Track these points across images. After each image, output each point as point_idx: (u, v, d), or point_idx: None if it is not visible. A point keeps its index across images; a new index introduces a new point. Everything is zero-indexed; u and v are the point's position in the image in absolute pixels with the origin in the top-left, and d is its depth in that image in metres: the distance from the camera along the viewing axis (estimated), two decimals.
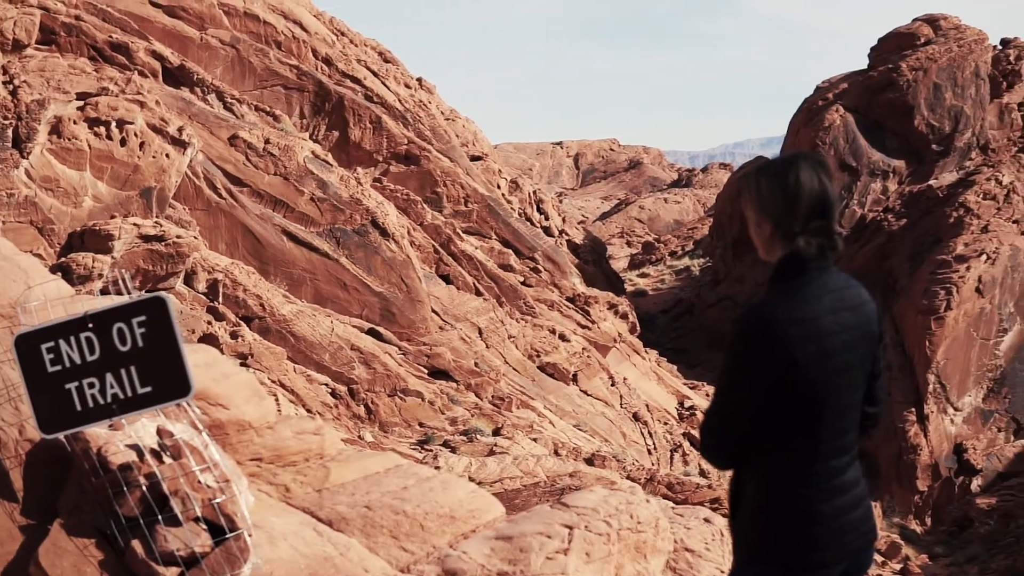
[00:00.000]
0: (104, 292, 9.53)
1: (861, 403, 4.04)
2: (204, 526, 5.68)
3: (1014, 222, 45.40)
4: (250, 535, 5.76)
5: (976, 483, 41.28)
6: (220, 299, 23.54)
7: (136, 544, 5.57)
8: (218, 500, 5.71)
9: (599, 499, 6.72)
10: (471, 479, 23.04)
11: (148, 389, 5.72)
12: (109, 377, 5.74)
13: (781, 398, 3.78)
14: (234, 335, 23.01)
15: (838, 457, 3.92)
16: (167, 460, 5.98)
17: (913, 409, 41.29)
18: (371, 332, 26.85)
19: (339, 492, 7.07)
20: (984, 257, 42.92)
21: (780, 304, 3.85)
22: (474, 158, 37.89)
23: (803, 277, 3.88)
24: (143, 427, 6.37)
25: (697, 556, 10.45)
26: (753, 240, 4.10)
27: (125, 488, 5.68)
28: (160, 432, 6.23)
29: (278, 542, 6.22)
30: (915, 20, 52.39)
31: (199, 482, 5.78)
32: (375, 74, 33.89)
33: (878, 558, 30.29)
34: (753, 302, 3.97)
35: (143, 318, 5.69)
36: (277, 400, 21.97)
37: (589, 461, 25.49)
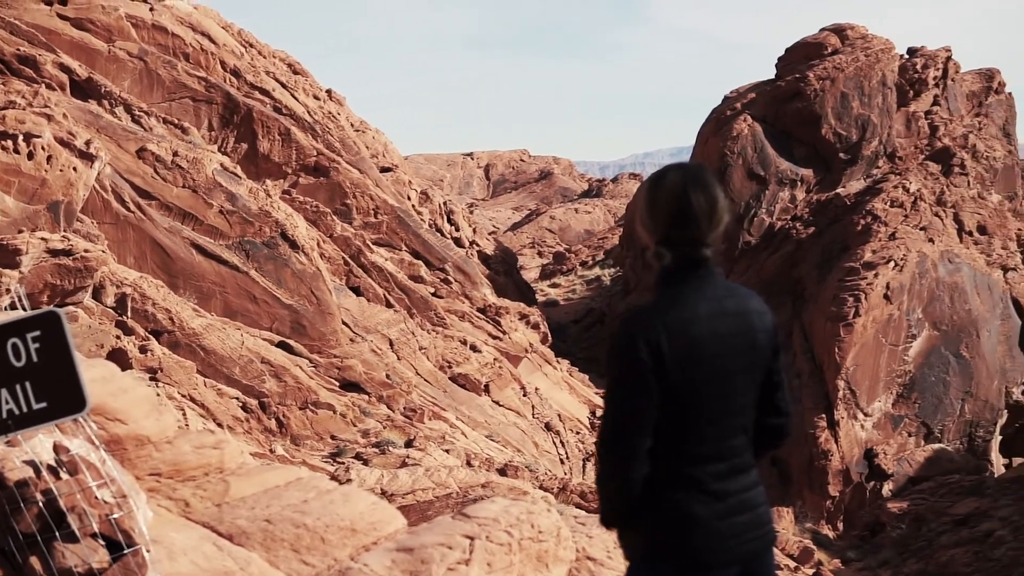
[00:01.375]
0: (12, 308, 9.53)
1: (749, 411, 4.09)
2: (102, 542, 5.64)
3: (921, 229, 46.37)
4: (148, 551, 5.74)
5: (887, 488, 42.04)
6: (129, 313, 23.36)
7: (34, 561, 5.56)
8: (115, 516, 5.68)
9: (500, 509, 6.77)
10: (383, 491, 23.12)
11: (43, 405, 5.68)
12: (4, 393, 5.71)
13: (657, 402, 3.84)
14: (143, 349, 22.86)
15: (715, 463, 3.96)
16: (64, 476, 5.96)
17: (824, 415, 41.91)
18: (281, 345, 26.79)
19: (239, 506, 7.03)
20: (892, 264, 43.69)
21: (653, 310, 3.93)
22: (384, 169, 37.90)
23: (683, 284, 3.97)
24: (40, 443, 6.34)
25: (599, 564, 10.52)
26: (643, 245, 4.23)
27: (22, 504, 5.66)
28: (56, 448, 6.20)
29: (177, 557, 6.19)
30: (822, 30, 53.05)
31: (96, 498, 5.75)
32: (284, 86, 33.80)
33: (790, 563, 30.72)
34: (632, 308, 4.01)
35: (37, 333, 5.67)
36: (185, 415, 21.88)
37: (502, 472, 25.65)
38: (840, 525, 41.68)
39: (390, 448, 25.23)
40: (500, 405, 31.33)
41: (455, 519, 6.76)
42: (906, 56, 54.74)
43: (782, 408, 4.24)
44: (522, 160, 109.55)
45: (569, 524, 5.95)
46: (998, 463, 46.65)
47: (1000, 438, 47.65)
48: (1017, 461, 46.56)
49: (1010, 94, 59.00)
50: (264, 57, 34.79)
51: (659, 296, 4.01)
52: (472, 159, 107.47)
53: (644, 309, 3.98)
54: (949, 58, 55.39)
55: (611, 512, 4.05)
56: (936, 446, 44.25)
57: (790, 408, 4.31)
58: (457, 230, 40.76)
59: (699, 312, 3.93)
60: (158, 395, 22.34)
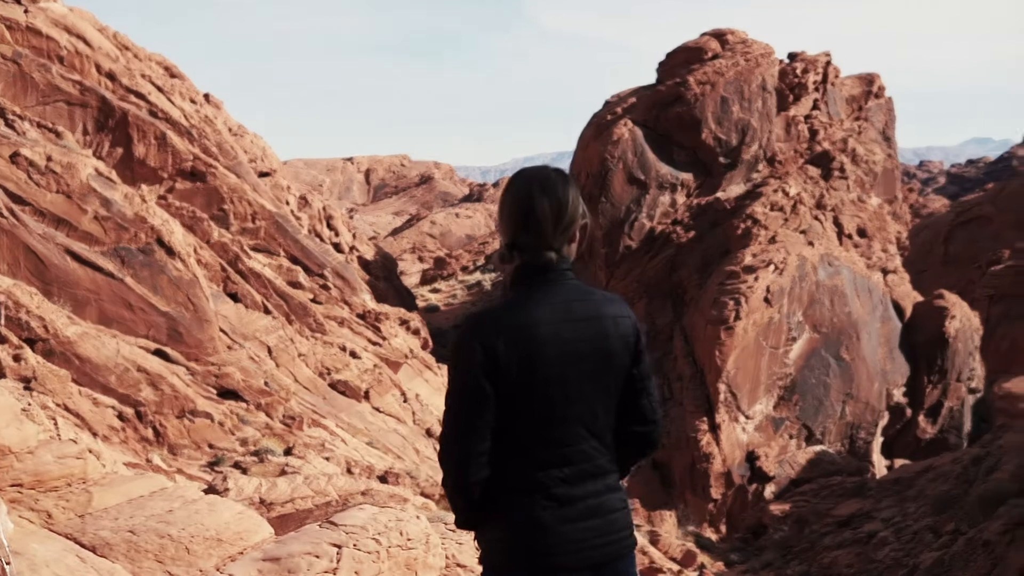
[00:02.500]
0: None
1: (603, 417, 4.19)
2: None
3: (801, 232, 48.06)
4: (8, 563, 5.77)
5: (769, 490, 43.57)
6: (2, 321, 23.85)
7: None
8: None
9: (368, 517, 6.82)
10: (262, 500, 23.96)
11: None
12: None
13: (495, 405, 4.01)
14: (17, 358, 23.36)
15: (561, 468, 4.08)
16: None
17: (705, 418, 43.12)
18: (158, 353, 27.22)
19: (102, 517, 7.07)
20: (772, 267, 45.23)
21: (493, 314, 4.07)
22: (262, 174, 38.38)
23: (529, 288, 4.11)
24: None
25: (469, 571, 10.93)
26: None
27: None
28: None
29: (40, 569, 6.19)
30: (703, 35, 54.15)
31: None
32: (160, 89, 34.11)
33: (673, 567, 31.95)
34: (474, 312, 4.35)
35: None
36: (58, 424, 22.54)
37: (383, 479, 26.49)
38: (723, 528, 43.03)
39: (269, 456, 25.65)
40: (380, 411, 31.86)
41: (323, 527, 6.87)
42: (786, 61, 56.37)
43: (647, 415, 4.34)
44: (403, 165, 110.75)
45: (440, 531, 6.37)
46: (880, 464, 48.45)
47: (881, 439, 49.64)
48: (899, 462, 47.93)
49: (890, 98, 61.21)
50: (140, 60, 35.05)
51: (505, 300, 4.15)
52: (352, 164, 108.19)
53: (484, 313, 4.10)
54: (829, 63, 57.25)
55: (459, 515, 4.18)
56: (817, 448, 45.89)
57: (657, 416, 4.41)
58: (337, 235, 41.42)
59: (542, 316, 4.04)
60: (29, 405, 23.00)
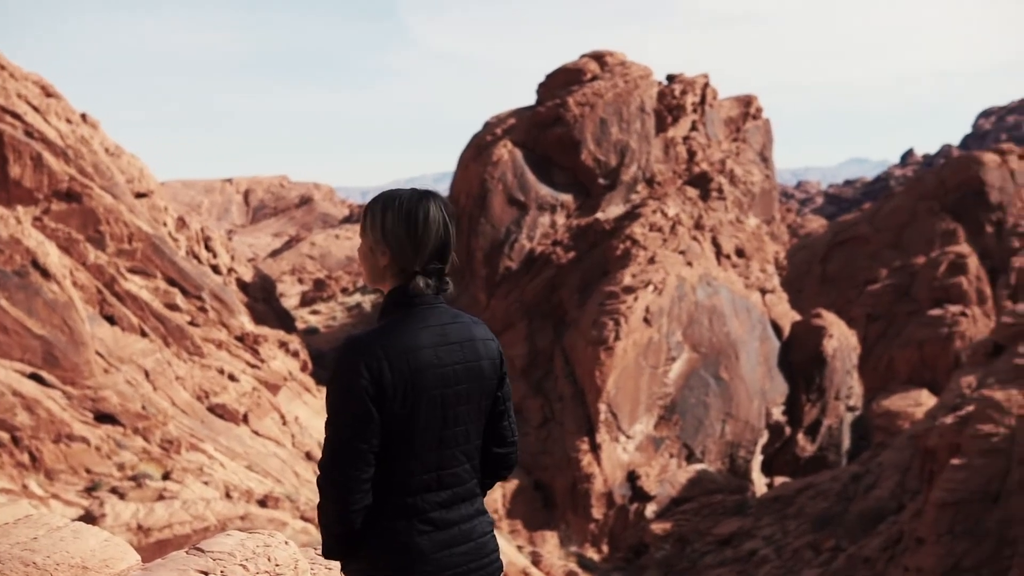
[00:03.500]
0: None
1: (474, 440, 4.31)
2: None
3: (680, 253, 49.36)
4: None
5: (650, 509, 44.53)
6: None
7: None
8: None
9: (236, 543, 6.65)
10: (140, 526, 24.24)
11: None
12: None
13: (379, 430, 4.07)
14: None
15: (437, 491, 4.16)
16: None
17: (586, 438, 44.09)
18: (33, 377, 27.37)
19: None
20: (651, 288, 46.43)
21: (375, 337, 4.11)
22: (139, 195, 38.41)
23: (410, 311, 4.20)
24: None
25: None
26: (361, 264, 4.40)
27: None
28: None
29: None
30: (582, 56, 54.93)
31: None
32: (36, 109, 34.15)
33: None
34: (353, 335, 4.25)
35: None
36: None
37: (262, 503, 26.93)
38: (605, 547, 43.79)
39: (147, 481, 25.77)
40: (259, 435, 32.17)
41: (190, 554, 6.63)
42: (664, 82, 57.49)
43: (507, 437, 4.46)
44: (282, 186, 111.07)
45: (310, 556, 6.51)
46: (759, 483, 49.93)
47: (761, 457, 51.04)
48: (778, 480, 49.83)
49: (767, 120, 63.11)
50: (16, 79, 34.97)
51: (382, 323, 4.22)
52: (231, 185, 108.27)
53: (366, 336, 4.13)
54: (707, 85, 58.67)
55: (333, 543, 4.16)
56: (698, 467, 47.00)
57: (516, 437, 4.51)
58: (215, 257, 41.64)
59: (421, 340, 4.13)
60: None
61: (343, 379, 4.05)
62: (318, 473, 4.13)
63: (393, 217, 4.23)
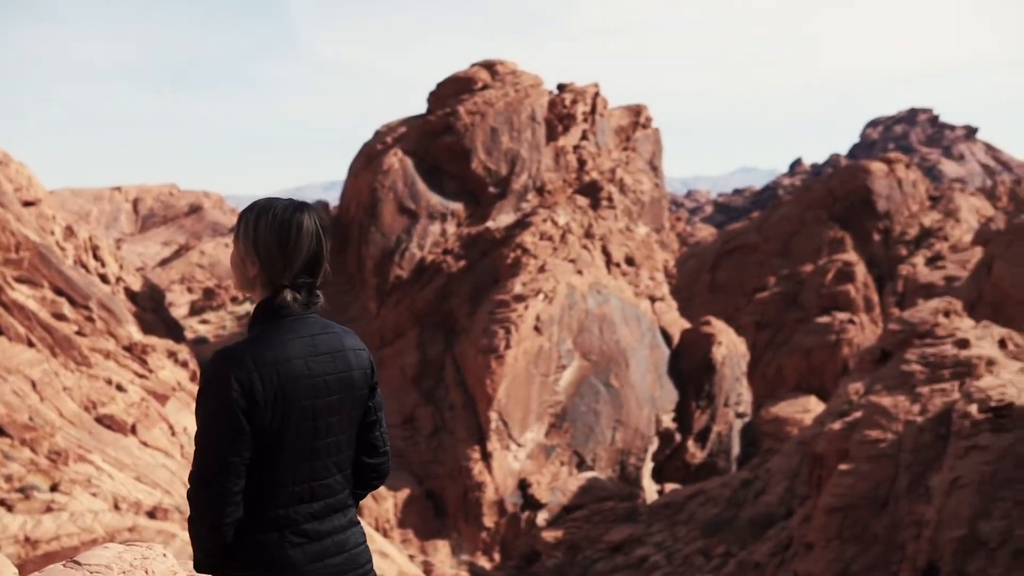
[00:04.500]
0: None
1: (346, 450, 4.34)
2: None
3: (570, 261, 50.12)
4: None
5: (542, 517, 45.09)
6: None
7: None
8: None
9: (114, 555, 6.56)
10: (27, 538, 24.29)
11: None
12: None
13: (248, 443, 4.07)
14: None
15: (309, 503, 4.18)
16: None
17: (477, 447, 44.64)
18: None
19: None
20: (542, 296, 47.16)
21: (247, 347, 4.12)
22: (27, 203, 38.20)
23: (280, 322, 4.21)
24: None
25: None
26: (232, 271, 4.40)
27: None
28: None
29: None
30: (473, 65, 55.50)
31: None
32: None
33: None
34: (223, 346, 4.21)
35: None
36: None
37: (151, 514, 27.01)
38: (496, 556, 44.36)
39: (34, 493, 25.81)
40: (148, 446, 32.03)
41: (67, 567, 6.51)
42: (555, 92, 58.05)
43: (379, 447, 4.50)
44: (171, 194, 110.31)
45: (188, 569, 6.43)
46: (650, 489, 50.55)
47: (651, 464, 51.80)
48: (669, 487, 50.61)
49: (657, 129, 63.99)
50: None
51: (252, 334, 4.23)
52: (120, 193, 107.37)
53: (236, 347, 4.13)
54: (597, 94, 59.39)
55: (204, 557, 4.14)
56: (589, 474, 47.69)
57: (387, 447, 4.56)
58: (103, 266, 41.44)
59: (292, 351, 4.15)
60: None
61: (213, 391, 4.06)
62: (188, 486, 4.11)
63: (266, 228, 4.23)
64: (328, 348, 4.26)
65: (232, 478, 4.05)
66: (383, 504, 41.64)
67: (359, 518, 4.47)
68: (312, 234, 4.25)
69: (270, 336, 4.17)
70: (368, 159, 52.15)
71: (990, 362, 33.31)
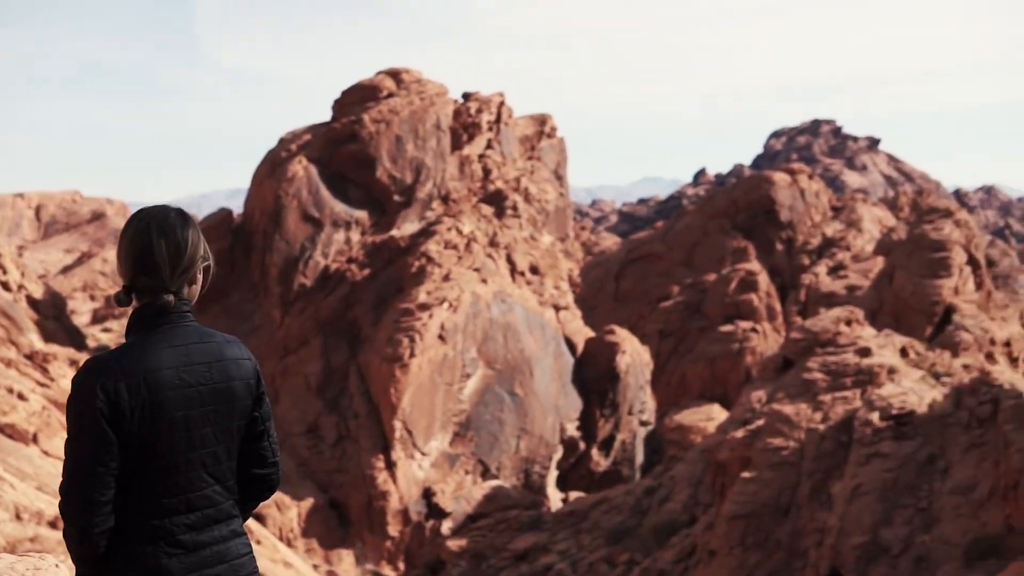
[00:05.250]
0: None
1: (226, 461, 4.31)
2: None
3: (475, 270, 50.35)
4: None
5: (447, 526, 45.34)
6: None
7: None
8: None
9: (5, 566, 6.39)
10: None
11: None
12: None
13: (118, 452, 4.03)
14: None
15: (186, 514, 4.16)
16: None
17: (381, 456, 44.84)
18: None
19: None
20: (446, 305, 47.37)
21: (117, 357, 4.08)
22: None
23: (149, 332, 4.17)
24: None
25: None
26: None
27: None
28: None
29: None
30: (378, 73, 55.57)
31: None
32: None
33: None
34: (93, 355, 4.18)
35: None
36: None
37: (52, 524, 26.99)
38: (401, 565, 44.55)
39: None
40: (49, 455, 31.65)
41: None
42: (460, 100, 58.42)
43: (268, 458, 4.46)
44: (74, 201, 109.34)
45: None
46: (555, 497, 50.96)
47: (556, 473, 52.22)
48: (573, 495, 50.81)
49: (562, 138, 64.77)
50: None
51: (125, 343, 4.19)
52: (22, 200, 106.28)
53: (105, 356, 4.10)
54: (503, 103, 59.84)
55: (80, 567, 4.12)
56: (493, 483, 48.10)
57: (277, 458, 4.53)
58: (4, 273, 41.07)
59: (163, 360, 4.11)
60: None
61: (79, 401, 4.01)
62: (61, 498, 4.07)
63: (131, 235, 4.21)
64: (205, 358, 4.22)
65: (99, 488, 4.02)
66: (287, 514, 41.68)
67: (245, 529, 4.43)
68: (176, 238, 4.22)
69: (143, 345, 4.13)
70: (272, 167, 52.07)
71: (891, 370, 33.93)
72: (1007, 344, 46.98)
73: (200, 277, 4.33)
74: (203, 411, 4.18)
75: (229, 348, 4.31)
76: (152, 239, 4.17)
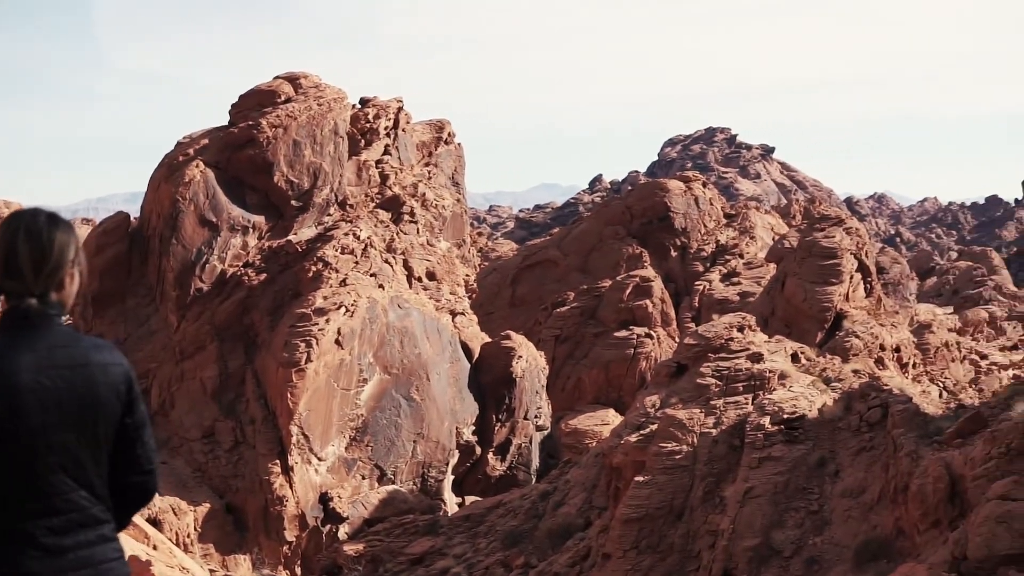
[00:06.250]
0: None
1: (91, 466, 4.26)
2: None
3: (372, 275, 50.62)
4: None
5: (343, 530, 45.69)
6: None
7: None
8: None
9: None
10: None
11: None
12: None
13: None
14: None
15: (49, 517, 4.13)
16: None
17: (278, 461, 44.97)
18: None
19: None
20: (343, 310, 47.64)
21: None
22: None
23: (13, 334, 4.16)
24: None
25: None
26: None
27: None
28: None
29: None
30: (276, 78, 55.42)
31: None
32: None
33: None
34: None
35: None
36: None
37: None
38: (298, 570, 44.82)
39: None
40: None
41: None
42: (358, 106, 58.70)
43: (142, 465, 4.44)
44: None
45: None
46: (451, 502, 51.44)
47: (452, 477, 52.70)
48: (469, 499, 51.37)
49: (459, 144, 65.31)
50: None
51: None
52: None
53: None
54: (400, 108, 60.20)
55: None
56: (390, 487, 48.49)
57: (153, 465, 4.49)
58: None
59: (22, 364, 4.09)
60: None
61: None
62: None
63: None
64: (68, 362, 4.18)
65: None
66: (183, 519, 41.61)
67: (115, 534, 4.42)
68: (42, 240, 4.21)
69: (2, 349, 4.13)
70: (169, 170, 51.73)
71: (782, 375, 34.26)
72: (897, 350, 48.00)
73: (71, 281, 4.31)
74: (64, 416, 4.15)
75: (97, 353, 4.28)
76: (18, 242, 4.17)
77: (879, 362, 43.66)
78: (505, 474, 54.87)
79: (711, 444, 31.73)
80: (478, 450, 54.21)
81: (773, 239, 78.26)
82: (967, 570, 19.09)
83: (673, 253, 78.32)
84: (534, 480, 53.41)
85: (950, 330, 65.79)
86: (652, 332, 67.34)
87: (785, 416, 30.89)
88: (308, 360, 45.59)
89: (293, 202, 52.98)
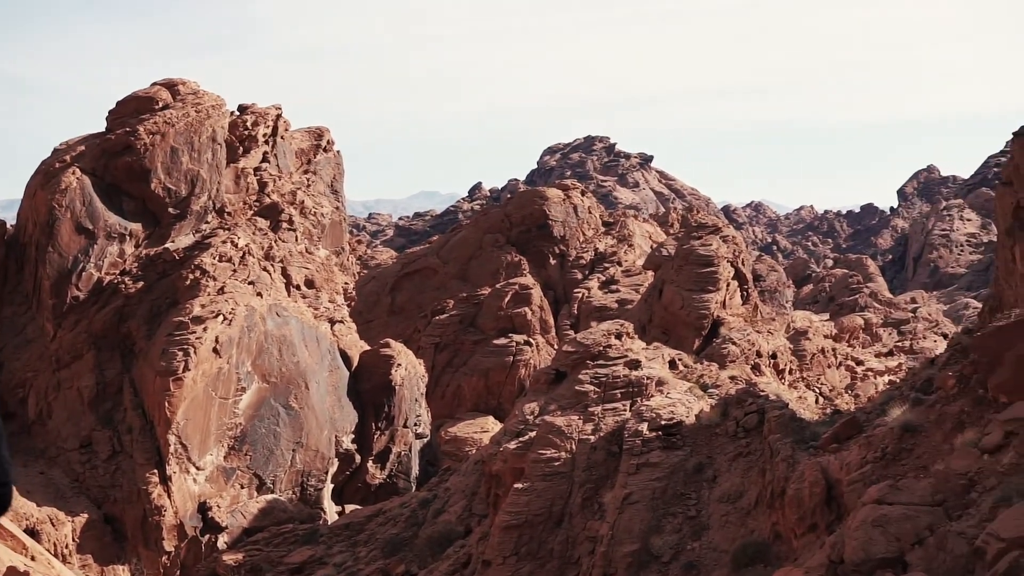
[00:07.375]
0: None
1: None
2: None
3: (250, 283, 50.91)
4: None
5: (223, 540, 45.92)
6: None
7: None
8: None
9: None
10: None
11: None
12: None
13: None
14: None
15: None
16: None
17: (156, 470, 45.04)
18: None
19: None
20: (221, 318, 47.86)
21: None
22: None
23: None
24: None
25: None
26: None
27: None
28: None
29: None
30: (154, 84, 55.39)
31: None
32: None
33: None
34: None
35: None
36: None
37: None
38: None
39: None
40: None
41: None
42: (237, 113, 58.60)
43: None
44: None
45: None
46: (331, 510, 51.90)
47: (332, 486, 53.14)
48: (349, 507, 51.61)
49: (338, 152, 65.65)
50: None
51: None
52: None
53: None
54: (279, 116, 60.42)
55: None
56: (270, 497, 48.79)
57: (8, 477, 4.62)
58: None
59: None
60: None
61: None
62: None
63: None
64: None
65: None
66: (61, 529, 41.57)
67: None
68: None
69: None
70: (46, 177, 51.38)
71: (660, 382, 34.96)
72: (773, 356, 49.46)
73: None
74: None
75: None
76: None
77: (756, 368, 44.78)
78: (385, 482, 55.31)
79: (590, 451, 32.38)
80: (358, 458, 54.58)
81: (651, 247, 79.65)
82: (844, 573, 19.66)
83: (552, 261, 79.43)
84: (414, 488, 54.07)
85: (826, 337, 67.89)
86: (531, 339, 68.28)
87: (663, 422, 31.45)
88: (186, 369, 45.67)
89: (171, 209, 52.88)
